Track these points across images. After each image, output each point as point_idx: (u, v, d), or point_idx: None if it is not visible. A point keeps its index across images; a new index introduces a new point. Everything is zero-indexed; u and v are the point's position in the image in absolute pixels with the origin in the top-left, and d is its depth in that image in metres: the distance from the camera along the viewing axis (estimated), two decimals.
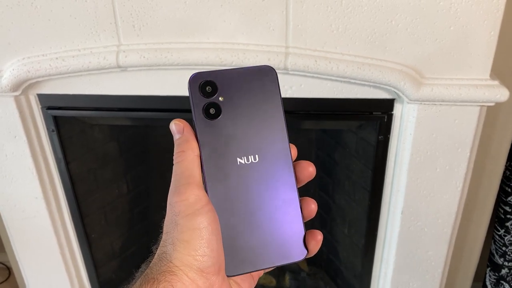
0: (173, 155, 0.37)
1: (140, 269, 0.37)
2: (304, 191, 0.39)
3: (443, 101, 0.90)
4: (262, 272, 0.41)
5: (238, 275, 0.38)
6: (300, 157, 0.40)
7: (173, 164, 0.37)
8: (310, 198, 0.39)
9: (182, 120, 0.38)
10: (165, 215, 0.37)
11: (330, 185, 1.32)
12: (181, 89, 0.98)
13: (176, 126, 0.38)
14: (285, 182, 0.38)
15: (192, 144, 0.37)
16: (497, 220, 1.29)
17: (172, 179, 0.36)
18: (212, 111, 0.37)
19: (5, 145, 1.07)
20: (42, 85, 1.01)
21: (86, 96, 1.01)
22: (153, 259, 0.35)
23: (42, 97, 1.03)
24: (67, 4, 0.89)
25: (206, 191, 0.36)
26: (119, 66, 0.93)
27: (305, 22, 0.87)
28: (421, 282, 1.15)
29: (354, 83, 0.92)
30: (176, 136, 0.38)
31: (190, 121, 0.38)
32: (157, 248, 0.36)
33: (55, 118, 1.06)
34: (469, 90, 0.88)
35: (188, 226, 0.34)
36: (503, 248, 1.30)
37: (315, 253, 0.39)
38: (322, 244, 0.39)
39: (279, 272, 1.47)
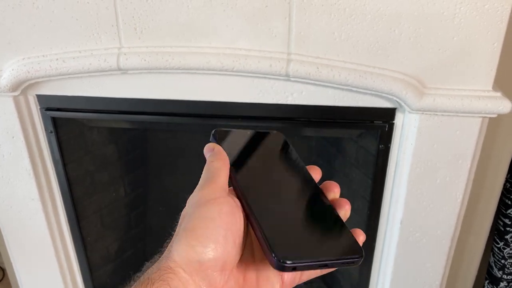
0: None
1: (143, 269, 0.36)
2: None
3: (445, 111, 0.90)
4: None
5: (293, 267, 0.32)
6: None
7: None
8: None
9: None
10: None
11: None
12: (181, 93, 0.97)
13: (207, 147, 0.39)
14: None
15: (222, 155, 0.38)
16: (496, 232, 1.28)
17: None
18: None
19: (3, 145, 1.06)
20: (41, 86, 1.00)
21: (86, 98, 1.00)
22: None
23: (41, 98, 1.03)
24: (68, 5, 0.89)
25: (240, 196, 0.36)
26: (119, 69, 0.93)
27: (308, 29, 0.86)
28: None
29: (356, 91, 0.91)
30: (207, 154, 0.39)
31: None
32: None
33: (54, 119, 1.05)
34: (471, 101, 0.88)
35: (197, 214, 0.32)
36: (502, 261, 1.29)
37: None
38: None
39: None
